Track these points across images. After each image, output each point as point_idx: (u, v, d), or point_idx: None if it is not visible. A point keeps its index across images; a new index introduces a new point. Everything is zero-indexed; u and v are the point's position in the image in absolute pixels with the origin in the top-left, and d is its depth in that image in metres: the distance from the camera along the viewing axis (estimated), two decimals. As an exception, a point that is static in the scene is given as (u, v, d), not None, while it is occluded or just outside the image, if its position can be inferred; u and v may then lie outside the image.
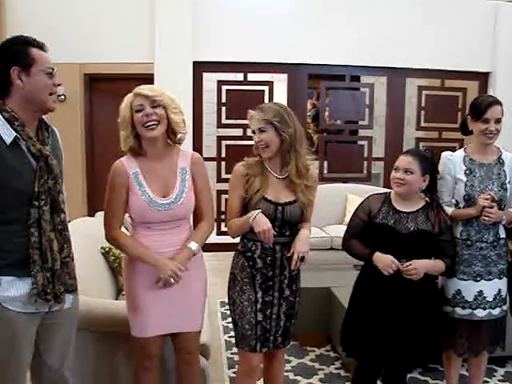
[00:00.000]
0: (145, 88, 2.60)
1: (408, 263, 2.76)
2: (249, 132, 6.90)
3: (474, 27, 6.97)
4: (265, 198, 2.74)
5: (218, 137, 6.94)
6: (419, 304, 2.83)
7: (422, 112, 7.27)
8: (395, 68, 6.95)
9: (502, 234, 3.03)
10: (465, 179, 2.99)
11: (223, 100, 6.78)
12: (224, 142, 6.90)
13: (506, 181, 2.98)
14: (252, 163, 2.83)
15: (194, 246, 2.68)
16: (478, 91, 7.26)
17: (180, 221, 2.70)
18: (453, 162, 3.05)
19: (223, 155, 6.88)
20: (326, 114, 7.50)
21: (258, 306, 2.78)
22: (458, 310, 2.99)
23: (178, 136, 2.69)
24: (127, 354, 2.94)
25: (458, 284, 2.99)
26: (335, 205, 6.45)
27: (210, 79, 6.82)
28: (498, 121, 2.95)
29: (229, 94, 6.77)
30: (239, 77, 6.88)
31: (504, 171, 3.00)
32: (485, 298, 2.96)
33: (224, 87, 6.78)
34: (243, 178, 2.80)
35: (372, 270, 2.83)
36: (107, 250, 3.86)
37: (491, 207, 2.84)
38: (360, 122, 7.59)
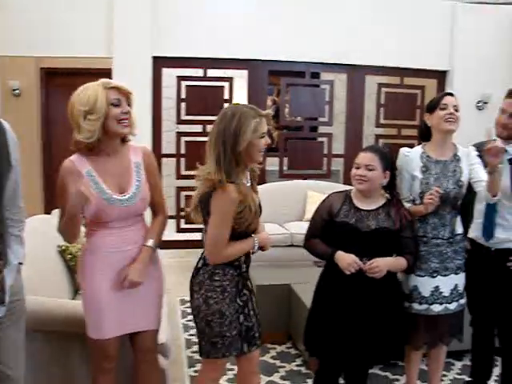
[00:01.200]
0: (119, 83, 2.55)
1: (370, 262, 2.75)
2: (208, 128, 6.90)
3: (433, 27, 7.07)
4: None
5: (177, 133, 6.87)
6: (381, 301, 2.84)
7: (382, 109, 7.34)
8: (355, 65, 6.99)
9: (459, 229, 3.06)
10: (420, 176, 3.00)
11: (183, 96, 6.71)
12: (183, 139, 6.83)
13: (462, 178, 3.00)
14: (242, 187, 2.51)
15: (150, 242, 2.67)
16: (437, 89, 7.36)
17: (138, 217, 2.68)
18: (410, 159, 3.06)
19: (183, 152, 6.81)
20: (286, 110, 7.50)
21: (240, 309, 2.68)
22: (415, 306, 3.02)
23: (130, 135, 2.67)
24: (83, 356, 2.87)
25: (414, 280, 3.01)
26: (295, 201, 6.45)
27: (169, 75, 6.75)
28: (456, 109, 2.97)
29: (188, 89, 6.70)
30: (199, 73, 6.82)
31: (460, 167, 3.02)
32: (441, 293, 2.99)
33: (184, 83, 6.72)
34: (237, 206, 2.49)
35: (334, 268, 2.82)
36: (64, 248, 3.78)
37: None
38: (320, 119, 7.63)
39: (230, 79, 6.84)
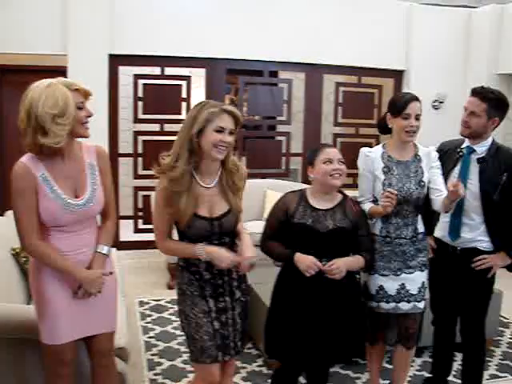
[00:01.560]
0: (78, 83, 2.47)
1: (330, 263, 2.73)
2: (166, 127, 6.82)
3: (390, 27, 7.15)
4: (197, 215, 2.57)
5: (134, 132, 6.77)
6: (339, 300, 2.83)
7: (340, 108, 7.38)
8: (313, 64, 7.01)
9: (421, 229, 3.07)
10: (383, 177, 2.99)
11: (140, 94, 6.61)
12: (141, 138, 6.74)
13: (424, 178, 3.00)
14: (177, 177, 2.52)
15: (105, 249, 2.62)
16: (394, 88, 7.45)
17: (92, 219, 2.63)
18: (371, 159, 3.04)
19: (140, 151, 6.72)
20: (244, 109, 7.47)
21: (213, 314, 2.62)
22: (383, 305, 3.01)
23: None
24: (36, 363, 2.77)
25: (379, 280, 3.01)
26: (254, 200, 6.42)
27: (126, 73, 6.64)
28: (418, 117, 2.95)
29: (146, 88, 6.60)
30: (156, 71, 6.73)
31: (421, 168, 3.02)
32: (408, 291, 2.99)
33: (141, 81, 6.61)
34: (168, 197, 2.53)
35: (292, 268, 2.79)
36: (18, 251, 3.66)
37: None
38: (278, 118, 7.63)
39: (187, 78, 6.77)
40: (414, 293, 3.00)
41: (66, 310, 2.51)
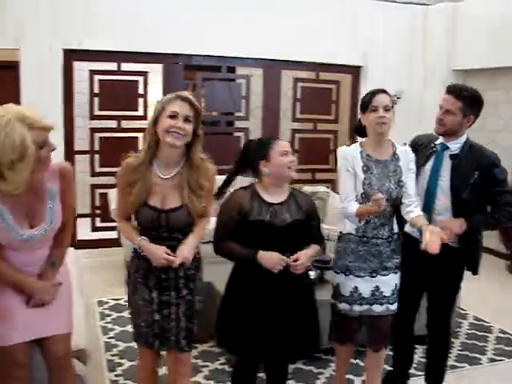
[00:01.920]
0: (41, 118, 2.26)
1: (294, 257, 2.71)
2: (123, 124, 6.71)
3: (348, 23, 7.19)
4: (146, 204, 2.60)
5: (90, 129, 6.63)
6: (294, 294, 2.80)
7: (298, 104, 7.39)
8: (271, 60, 7.00)
9: (396, 229, 3.06)
10: (362, 176, 2.93)
11: (96, 90, 6.48)
12: (97, 135, 6.62)
13: (402, 177, 2.96)
14: (134, 166, 2.59)
15: (55, 265, 2.58)
16: (351, 84, 7.50)
17: (49, 238, 2.56)
18: (351, 157, 2.98)
19: (96, 148, 6.60)
20: (202, 105, 7.41)
21: (155, 306, 2.65)
22: (356, 308, 2.97)
23: None
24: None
25: (355, 281, 2.96)
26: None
27: (81, 68, 6.50)
28: (387, 108, 2.88)
29: (102, 84, 6.48)
30: (113, 66, 6.61)
31: (400, 167, 2.98)
32: (382, 292, 2.97)
33: (97, 77, 6.48)
34: (122, 179, 2.64)
35: (244, 265, 2.77)
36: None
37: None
38: (236, 114, 7.60)
39: (144, 73, 6.68)
40: (388, 295, 2.98)
41: (18, 311, 2.45)
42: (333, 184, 7.67)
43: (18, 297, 2.47)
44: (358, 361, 3.85)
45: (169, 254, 2.57)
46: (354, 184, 2.94)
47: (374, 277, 2.95)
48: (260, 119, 7.36)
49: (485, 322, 4.86)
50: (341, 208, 2.97)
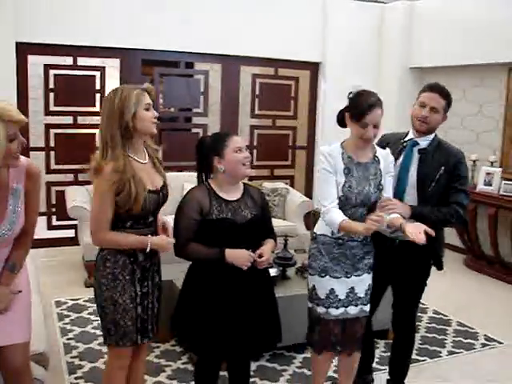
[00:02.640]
0: (12, 110, 2.20)
1: (258, 253, 2.71)
2: (80, 120, 6.57)
3: (306, 19, 7.20)
4: (148, 190, 2.59)
5: (45, 125, 6.47)
6: (256, 290, 2.79)
7: (257, 100, 7.37)
8: (229, 56, 6.96)
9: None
10: (343, 180, 2.83)
11: (51, 85, 6.32)
12: (53, 131, 6.46)
13: (382, 181, 2.90)
14: (122, 165, 2.49)
15: (16, 268, 2.47)
16: (310, 80, 7.52)
17: (10, 240, 2.44)
18: (333, 158, 2.87)
19: (52, 144, 6.44)
20: (160, 101, 7.33)
21: (138, 300, 2.64)
22: (332, 311, 2.91)
23: None
24: None
25: (330, 282, 2.90)
26: (171, 194, 6.27)
27: (35, 63, 6.33)
28: (377, 125, 2.80)
29: (57, 79, 6.32)
30: (68, 61, 6.46)
31: (380, 170, 2.92)
32: (356, 294, 2.93)
33: (52, 71, 6.32)
34: (114, 186, 2.48)
35: (206, 264, 2.74)
36: None
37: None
38: (194, 110, 7.54)
39: (101, 68, 6.55)
40: (362, 296, 2.95)
41: None
42: (291, 180, 7.69)
43: None
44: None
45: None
46: (335, 187, 2.84)
47: (348, 277, 2.91)
48: (218, 115, 7.31)
49: (444, 315, 4.94)
50: (323, 210, 2.85)
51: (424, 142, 3.15)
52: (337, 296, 2.90)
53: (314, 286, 2.96)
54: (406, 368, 3.47)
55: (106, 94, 2.60)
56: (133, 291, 2.62)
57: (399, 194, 3.09)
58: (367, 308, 3.00)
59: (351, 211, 2.84)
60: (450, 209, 3.09)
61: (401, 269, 3.19)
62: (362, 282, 2.95)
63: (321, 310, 2.93)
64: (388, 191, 2.95)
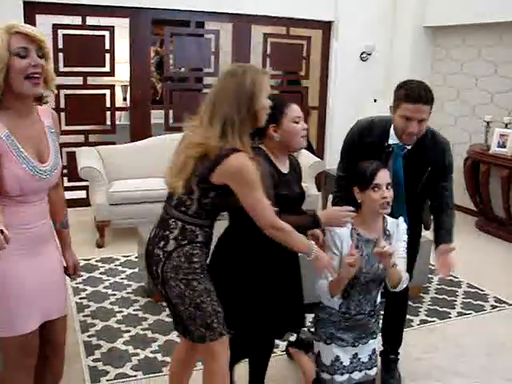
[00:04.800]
0: (27, 26, 2.00)
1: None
2: (90, 80, 6.53)
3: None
4: None
5: (56, 86, 6.40)
6: (287, 267, 2.71)
7: (268, 59, 7.26)
8: (240, 15, 6.85)
9: (379, 299, 2.84)
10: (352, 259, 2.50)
11: (60, 46, 6.26)
12: (63, 92, 6.42)
13: (393, 257, 2.56)
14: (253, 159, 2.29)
15: (67, 224, 2.44)
16: (322, 40, 7.41)
17: (48, 188, 2.24)
18: (339, 237, 2.64)
19: (62, 106, 6.41)
20: (171, 61, 7.26)
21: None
22: (337, 378, 2.76)
23: (46, 94, 2.19)
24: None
25: (336, 350, 2.74)
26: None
27: (44, 23, 6.25)
28: (388, 186, 2.61)
29: (66, 39, 6.26)
30: (77, 21, 6.38)
31: (390, 245, 2.66)
32: (359, 359, 2.79)
33: (61, 32, 6.25)
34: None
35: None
36: None
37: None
38: (205, 70, 7.45)
39: (110, 28, 6.46)
40: (365, 361, 2.81)
41: (33, 291, 2.15)
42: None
43: (33, 275, 2.15)
44: None
45: None
46: (338, 264, 2.60)
47: (355, 346, 2.76)
48: (230, 75, 7.22)
49: (454, 277, 4.94)
50: (316, 288, 2.68)
51: (410, 145, 2.92)
52: (342, 363, 2.74)
53: (319, 352, 2.81)
54: (401, 336, 3.40)
55: (228, 66, 2.40)
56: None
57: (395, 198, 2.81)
58: (372, 372, 2.83)
59: (360, 288, 2.67)
60: (448, 210, 3.01)
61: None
62: (367, 348, 2.80)
63: (326, 376, 2.76)
64: (401, 260, 2.69)
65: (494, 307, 4.40)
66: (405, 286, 2.70)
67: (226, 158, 2.21)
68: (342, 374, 2.74)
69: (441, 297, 4.53)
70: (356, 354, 2.76)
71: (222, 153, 2.21)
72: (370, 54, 7.33)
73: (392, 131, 2.91)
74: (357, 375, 2.78)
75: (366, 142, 2.94)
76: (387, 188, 2.59)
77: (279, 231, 2.31)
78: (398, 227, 2.73)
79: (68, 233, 2.47)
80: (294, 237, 2.36)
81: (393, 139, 2.91)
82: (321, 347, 2.77)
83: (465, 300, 4.50)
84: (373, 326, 2.81)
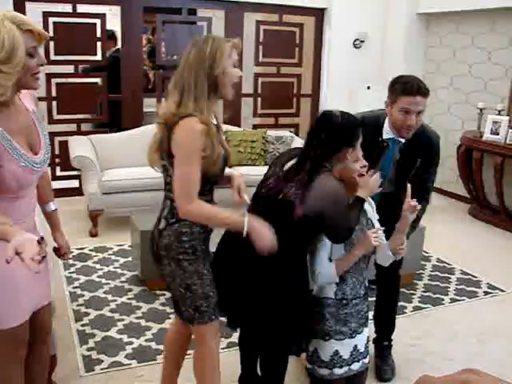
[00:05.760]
0: (31, 22, 1.92)
1: None
2: (81, 68, 6.45)
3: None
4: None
5: (46, 74, 6.37)
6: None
7: (261, 47, 7.23)
8: (233, 1, 6.82)
9: (367, 281, 2.78)
10: None
11: (50, 34, 6.19)
12: (54, 80, 6.38)
13: (373, 220, 2.66)
14: (208, 120, 2.24)
15: (55, 206, 2.43)
16: (315, 27, 7.37)
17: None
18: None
19: (54, 94, 6.37)
20: (163, 49, 7.21)
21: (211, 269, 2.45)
22: (336, 371, 2.71)
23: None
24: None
25: (335, 345, 2.69)
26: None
27: (34, 10, 6.19)
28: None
29: (57, 27, 6.18)
30: (68, 8, 6.32)
31: (369, 219, 2.67)
32: (358, 350, 2.75)
33: (51, 19, 6.18)
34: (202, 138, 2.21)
35: None
36: None
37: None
38: (198, 58, 7.40)
39: (102, 16, 6.41)
40: (362, 350, 2.77)
41: (21, 279, 2.09)
42: (296, 128, 7.63)
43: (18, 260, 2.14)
44: None
45: None
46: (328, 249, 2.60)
47: (353, 337, 2.72)
48: (222, 63, 7.18)
49: (447, 263, 4.96)
50: (316, 274, 2.59)
51: (405, 139, 2.94)
52: (341, 357, 2.70)
53: (315, 349, 2.73)
54: (394, 323, 3.41)
55: (193, 40, 2.34)
56: (210, 260, 2.46)
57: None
58: (366, 360, 2.80)
59: (353, 269, 2.61)
60: (423, 202, 2.92)
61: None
62: (363, 338, 2.76)
63: (324, 371, 2.69)
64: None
65: (486, 293, 4.42)
66: (391, 261, 2.73)
67: (177, 125, 2.19)
68: (341, 366, 2.71)
69: (434, 283, 4.55)
70: (356, 345, 2.73)
71: (174, 120, 2.21)
72: (363, 41, 7.30)
73: (386, 126, 2.92)
74: (355, 366, 2.75)
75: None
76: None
77: (193, 211, 2.24)
78: (370, 203, 2.68)
79: (57, 214, 2.44)
80: (216, 214, 2.28)
81: (387, 134, 2.93)
82: (318, 344, 2.71)
83: (458, 286, 4.52)
84: (367, 312, 2.78)
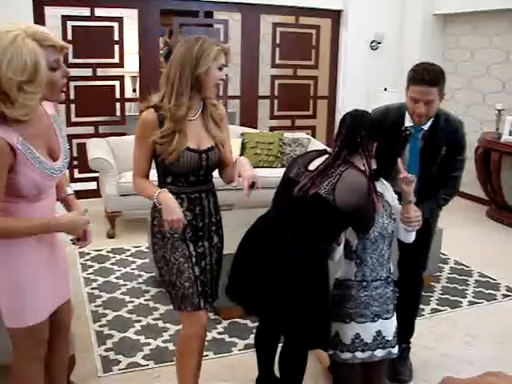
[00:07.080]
0: (51, 36, 1.92)
1: None
2: (99, 72, 6.52)
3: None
4: (187, 148, 2.43)
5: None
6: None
7: (277, 49, 7.24)
8: (249, 4, 6.83)
9: (392, 268, 2.81)
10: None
11: (69, 37, 6.25)
12: (73, 83, 6.43)
13: (393, 210, 2.72)
14: (183, 116, 2.42)
15: (70, 189, 2.42)
16: (331, 29, 7.37)
17: None
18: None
19: (72, 97, 6.43)
20: (180, 51, 7.22)
21: (193, 259, 2.50)
22: (358, 354, 2.72)
23: None
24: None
25: (356, 328, 2.70)
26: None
27: (53, 14, 6.26)
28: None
29: (75, 30, 6.25)
30: (86, 12, 6.38)
31: (386, 202, 2.71)
32: (384, 337, 2.74)
33: (70, 23, 6.25)
34: (156, 128, 2.42)
35: None
36: None
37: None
38: (214, 61, 7.42)
39: (119, 19, 6.46)
40: (390, 339, 2.76)
41: (43, 279, 2.16)
42: (313, 130, 7.63)
43: (46, 263, 2.18)
44: None
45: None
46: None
47: (375, 321, 2.70)
48: (239, 65, 7.21)
49: (465, 266, 4.92)
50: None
51: (427, 125, 2.94)
52: (362, 340, 2.70)
53: (337, 332, 2.74)
54: (413, 326, 3.39)
55: (184, 39, 2.44)
56: (185, 249, 2.48)
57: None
58: (395, 350, 2.78)
59: (371, 249, 2.66)
60: (449, 190, 3.03)
61: None
62: (391, 325, 2.75)
63: (346, 355, 2.71)
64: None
65: (505, 296, 4.39)
66: (413, 237, 2.79)
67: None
68: (363, 350, 2.71)
69: (452, 286, 4.52)
70: (379, 331, 2.71)
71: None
72: (379, 43, 7.28)
73: (407, 114, 2.95)
74: (379, 352, 2.73)
75: (383, 127, 2.92)
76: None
77: (134, 185, 2.56)
78: (387, 187, 2.75)
79: (74, 197, 2.44)
80: (146, 188, 2.51)
81: (409, 122, 2.96)
82: (339, 327, 2.72)
83: (476, 289, 4.48)
84: (392, 298, 2.75)
